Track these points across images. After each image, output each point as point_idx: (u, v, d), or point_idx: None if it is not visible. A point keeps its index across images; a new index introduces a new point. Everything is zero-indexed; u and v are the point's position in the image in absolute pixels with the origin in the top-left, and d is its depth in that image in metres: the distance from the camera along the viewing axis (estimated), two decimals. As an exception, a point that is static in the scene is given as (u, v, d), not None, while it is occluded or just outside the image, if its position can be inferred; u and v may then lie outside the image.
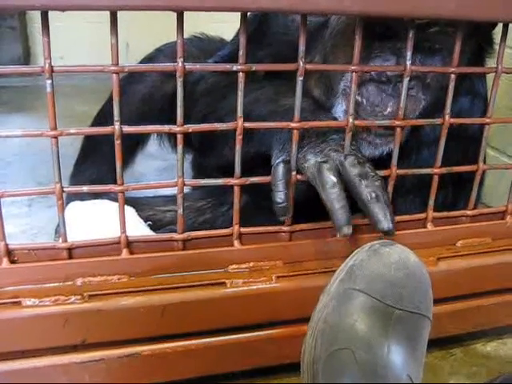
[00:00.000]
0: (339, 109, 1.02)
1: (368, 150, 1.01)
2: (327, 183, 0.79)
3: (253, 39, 1.10)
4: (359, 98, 0.97)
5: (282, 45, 1.10)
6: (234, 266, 0.89)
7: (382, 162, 0.95)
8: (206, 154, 1.26)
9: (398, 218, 0.98)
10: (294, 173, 0.86)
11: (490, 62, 1.07)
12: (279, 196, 0.81)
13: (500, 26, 0.91)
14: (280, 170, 0.82)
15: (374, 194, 0.78)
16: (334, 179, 0.79)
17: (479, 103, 1.12)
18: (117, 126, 0.78)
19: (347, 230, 0.77)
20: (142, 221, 1.21)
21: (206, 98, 1.21)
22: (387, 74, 0.96)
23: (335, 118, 1.03)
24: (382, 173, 0.92)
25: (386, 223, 0.77)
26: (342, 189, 0.79)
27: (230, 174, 0.85)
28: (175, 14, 0.73)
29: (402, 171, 0.94)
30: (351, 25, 0.94)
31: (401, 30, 0.91)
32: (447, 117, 0.92)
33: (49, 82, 0.73)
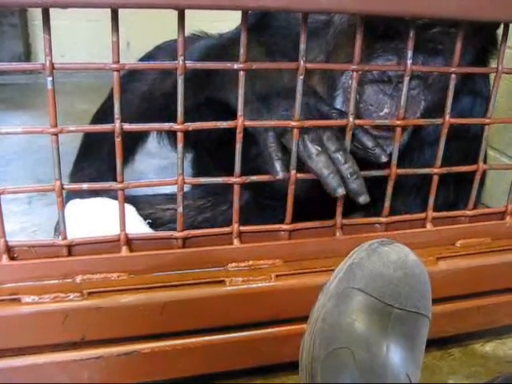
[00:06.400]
0: (338, 102, 1.03)
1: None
2: (312, 153, 0.82)
3: (256, 28, 1.10)
4: (359, 98, 0.97)
5: (284, 39, 1.10)
6: (233, 265, 0.89)
7: (385, 162, 0.95)
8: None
9: (397, 217, 0.98)
10: (293, 172, 0.86)
11: (493, 63, 1.07)
12: (276, 153, 0.82)
13: (501, 27, 0.91)
14: (270, 136, 0.84)
15: (351, 170, 0.82)
16: (319, 148, 0.82)
17: (481, 103, 1.12)
18: (117, 123, 0.78)
19: (341, 190, 0.81)
20: (141, 219, 1.21)
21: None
22: (389, 74, 0.96)
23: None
24: (382, 172, 0.92)
25: (363, 197, 0.82)
26: (328, 157, 0.82)
27: (231, 172, 0.86)
28: (176, 13, 0.73)
29: (401, 171, 0.94)
30: (354, 24, 0.94)
31: (404, 31, 0.91)
32: (447, 117, 0.92)
33: (49, 79, 0.73)
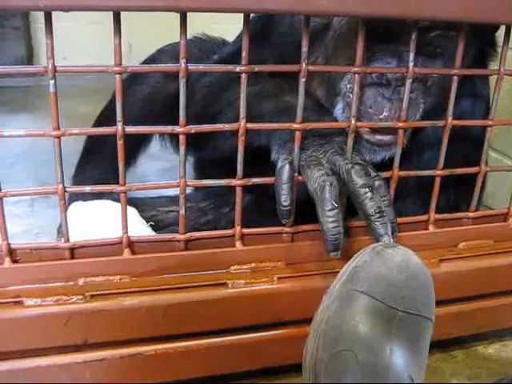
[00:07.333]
0: (338, 108, 1.03)
1: (368, 155, 1.01)
2: (327, 205, 0.80)
3: (259, 37, 1.10)
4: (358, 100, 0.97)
5: (288, 45, 1.10)
6: (235, 267, 0.89)
7: (384, 164, 0.95)
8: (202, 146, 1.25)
9: (400, 219, 0.98)
10: (295, 174, 0.86)
11: (493, 65, 1.07)
12: (284, 199, 0.81)
13: (503, 29, 0.91)
14: (285, 172, 0.83)
15: (377, 209, 0.80)
16: (335, 204, 0.80)
17: (481, 106, 1.12)
18: (119, 126, 0.78)
19: (336, 255, 0.80)
20: (144, 221, 1.21)
21: (207, 89, 1.21)
22: (387, 77, 0.96)
23: (336, 119, 1.03)
24: (383, 174, 0.92)
25: (386, 238, 0.80)
26: (340, 211, 0.81)
27: (232, 174, 0.86)
28: (178, 15, 0.73)
29: (404, 173, 0.94)
30: (353, 27, 0.94)
31: (402, 33, 0.91)
32: (450, 119, 0.92)
33: (52, 82, 0.73)
